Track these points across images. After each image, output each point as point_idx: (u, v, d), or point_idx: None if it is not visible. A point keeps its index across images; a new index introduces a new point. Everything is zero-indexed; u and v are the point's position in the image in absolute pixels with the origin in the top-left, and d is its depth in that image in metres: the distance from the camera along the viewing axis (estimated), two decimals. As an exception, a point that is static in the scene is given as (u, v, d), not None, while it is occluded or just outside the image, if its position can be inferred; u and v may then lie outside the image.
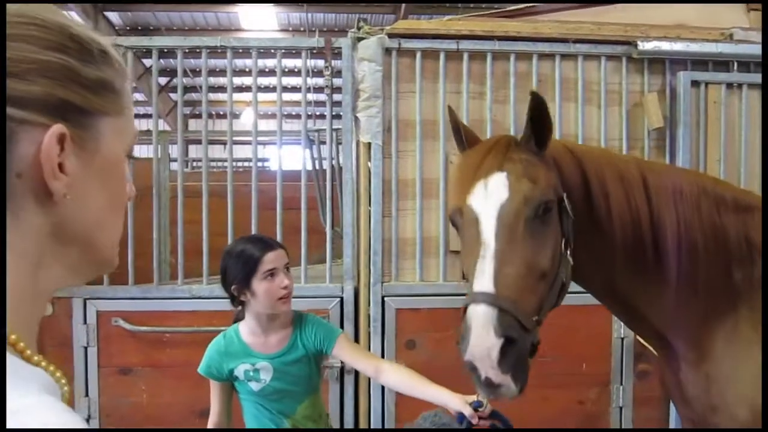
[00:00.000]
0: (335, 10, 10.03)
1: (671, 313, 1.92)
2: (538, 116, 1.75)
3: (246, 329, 2.32)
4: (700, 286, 1.87)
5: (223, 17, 10.52)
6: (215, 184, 3.51)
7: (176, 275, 3.47)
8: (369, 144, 3.35)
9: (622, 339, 3.48)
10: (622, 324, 3.42)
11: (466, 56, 3.41)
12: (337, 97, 3.41)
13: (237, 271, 2.23)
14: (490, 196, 1.73)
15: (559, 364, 3.38)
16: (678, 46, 3.53)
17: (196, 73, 9.56)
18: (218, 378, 2.31)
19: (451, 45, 3.40)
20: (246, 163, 8.40)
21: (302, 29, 10.38)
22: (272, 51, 3.36)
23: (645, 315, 1.96)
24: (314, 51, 3.43)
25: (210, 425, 2.33)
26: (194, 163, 8.30)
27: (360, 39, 3.37)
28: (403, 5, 9.17)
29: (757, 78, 3.62)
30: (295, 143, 4.62)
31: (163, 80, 11.77)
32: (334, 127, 3.46)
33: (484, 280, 1.62)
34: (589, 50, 3.52)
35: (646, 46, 3.50)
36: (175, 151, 6.13)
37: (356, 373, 3.31)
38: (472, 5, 8.63)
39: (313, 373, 2.36)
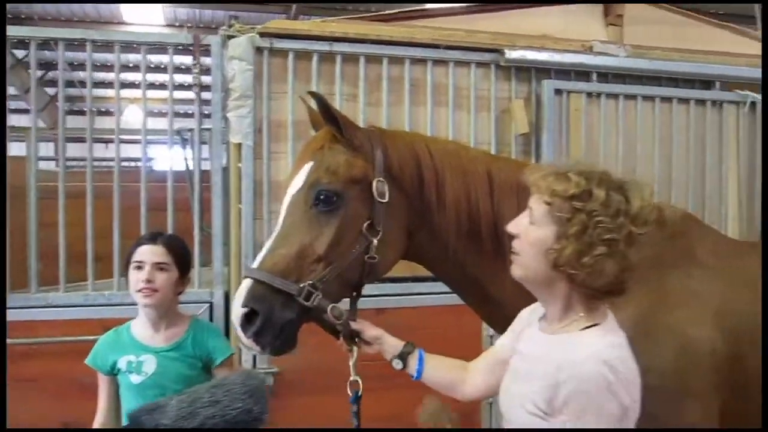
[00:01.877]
0: (226, 8, 9.80)
1: (512, 295, 2.00)
2: (326, 112, 1.91)
3: (137, 323, 2.37)
4: None
5: (104, 9, 10.00)
6: (96, 184, 3.29)
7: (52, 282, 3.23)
8: (240, 145, 3.26)
9: (491, 336, 3.58)
10: (491, 322, 3.51)
11: (339, 58, 3.41)
12: (207, 95, 3.30)
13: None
14: (294, 185, 1.92)
15: None
16: (543, 56, 3.70)
17: (73, 67, 9.04)
18: (102, 368, 2.32)
19: (325, 47, 3.38)
20: (124, 163, 8.00)
21: (190, 25, 10.07)
22: (135, 46, 3.20)
23: (492, 296, 2.05)
24: (182, 48, 3.30)
25: (95, 425, 2.33)
26: (68, 163, 7.82)
27: (231, 37, 3.28)
28: (294, 5, 9.09)
29: (615, 88, 3.87)
30: (175, 143, 4.42)
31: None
32: (204, 126, 3.34)
33: (257, 259, 1.84)
34: (460, 57, 3.62)
35: (512, 54, 3.64)
36: (44, 149, 5.74)
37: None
38: (362, 8, 8.67)
39: (199, 377, 2.33)
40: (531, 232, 1.49)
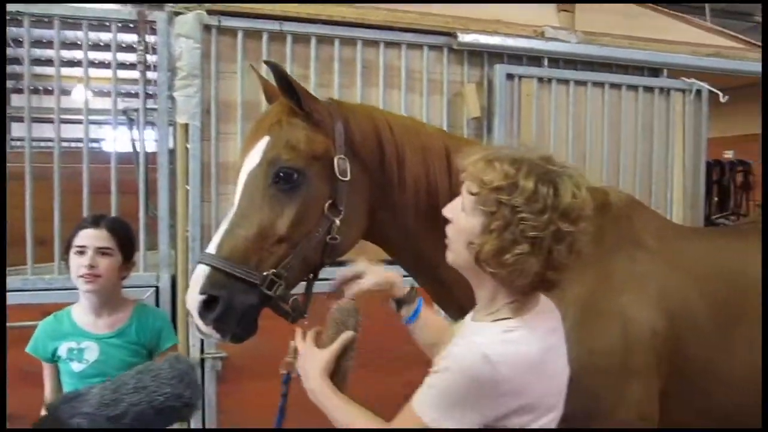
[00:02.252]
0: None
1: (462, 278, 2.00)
2: (284, 82, 1.81)
3: (79, 308, 2.29)
4: None
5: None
6: (38, 165, 3.16)
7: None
8: (187, 125, 3.18)
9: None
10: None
11: (290, 38, 3.35)
12: (153, 75, 3.20)
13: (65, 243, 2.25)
14: (250, 161, 1.82)
15: (384, 347, 3.43)
16: (495, 40, 3.71)
17: (17, 43, 8.64)
18: (44, 357, 2.25)
19: (275, 26, 3.32)
20: (74, 144, 7.77)
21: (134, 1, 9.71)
22: (75, 21, 3.07)
23: (444, 279, 2.01)
24: (126, 25, 3.19)
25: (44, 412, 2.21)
26: (12, 143, 7.56)
27: (178, 14, 3.18)
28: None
29: (566, 74, 3.91)
30: (121, 124, 4.29)
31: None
32: (150, 106, 3.24)
33: (213, 242, 1.75)
34: (412, 39, 3.59)
35: (465, 38, 3.63)
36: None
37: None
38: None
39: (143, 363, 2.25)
40: (460, 220, 1.43)
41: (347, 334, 1.66)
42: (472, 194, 1.39)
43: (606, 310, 1.98)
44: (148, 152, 3.25)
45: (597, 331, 1.94)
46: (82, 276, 2.18)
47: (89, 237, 2.21)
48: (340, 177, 1.84)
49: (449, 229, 1.48)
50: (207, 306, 1.70)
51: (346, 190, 1.85)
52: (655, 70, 4.22)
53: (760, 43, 5.00)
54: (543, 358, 1.36)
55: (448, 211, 1.50)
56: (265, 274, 1.73)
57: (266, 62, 1.86)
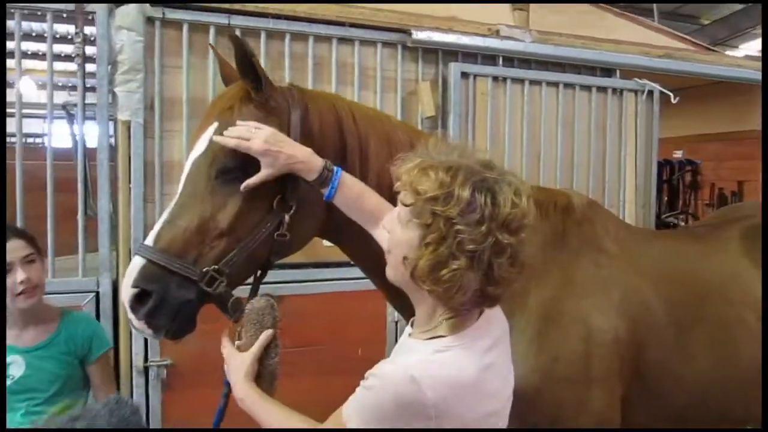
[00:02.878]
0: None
1: None
2: (245, 60, 1.66)
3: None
4: None
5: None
6: None
7: None
8: (129, 122, 3.03)
9: (396, 322, 3.54)
10: (396, 308, 3.46)
11: (238, 33, 3.22)
12: (92, 68, 3.04)
13: None
14: (196, 149, 1.72)
15: (336, 351, 3.37)
16: (450, 38, 3.65)
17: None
18: None
19: (222, 19, 3.19)
20: (12, 139, 7.45)
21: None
22: (9, 11, 2.89)
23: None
24: (63, 15, 3.02)
25: None
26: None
27: (120, 3, 3.02)
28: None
29: (520, 73, 3.90)
30: (59, 118, 4.10)
31: None
32: (89, 101, 3.08)
33: (151, 233, 1.65)
34: (365, 35, 3.51)
35: (419, 35, 3.56)
36: None
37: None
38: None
39: (74, 377, 2.16)
40: (396, 232, 1.33)
41: (265, 334, 1.58)
42: (406, 205, 1.29)
43: (569, 317, 1.94)
44: (89, 148, 3.07)
45: (561, 339, 1.90)
46: (20, 293, 2.03)
47: (11, 251, 2.05)
48: None
49: (388, 242, 1.37)
50: (139, 300, 1.60)
51: (298, 184, 1.72)
52: (607, 71, 4.23)
53: (707, 45, 5.10)
54: (479, 377, 1.27)
55: (387, 222, 1.42)
56: (204, 270, 1.62)
57: (230, 36, 1.71)
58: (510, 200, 1.26)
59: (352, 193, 1.67)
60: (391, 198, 1.84)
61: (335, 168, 1.66)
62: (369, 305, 3.39)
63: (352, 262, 2.06)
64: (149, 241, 1.65)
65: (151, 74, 3.08)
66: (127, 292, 1.61)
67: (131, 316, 1.62)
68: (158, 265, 1.60)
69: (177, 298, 1.61)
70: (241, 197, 1.67)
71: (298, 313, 3.08)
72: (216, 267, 1.64)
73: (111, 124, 3.15)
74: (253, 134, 1.62)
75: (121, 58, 3.01)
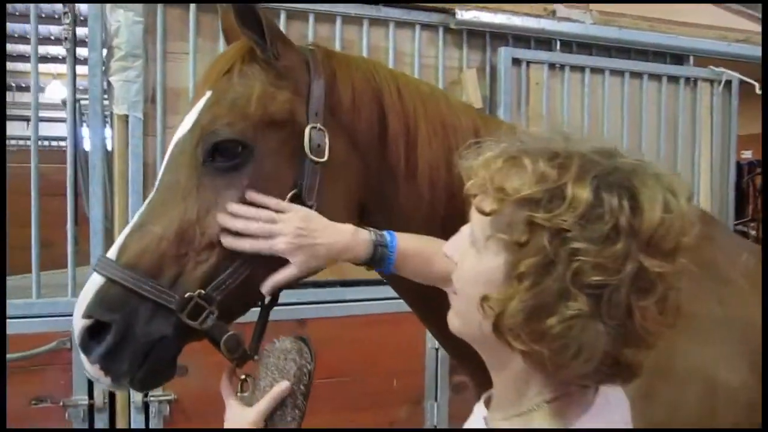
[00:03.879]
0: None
1: None
2: (246, 13, 1.25)
3: None
4: None
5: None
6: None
7: None
8: (126, 117, 2.63)
9: (437, 350, 3.08)
10: (436, 332, 3.01)
11: (254, 13, 2.78)
12: (84, 52, 2.64)
13: None
14: (181, 127, 1.32)
15: (366, 383, 2.95)
16: (499, 19, 3.24)
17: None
18: None
19: (235, -2, 2.75)
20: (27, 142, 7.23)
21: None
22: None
23: None
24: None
25: None
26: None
27: (116, -20, 2.63)
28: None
29: (580, 59, 3.46)
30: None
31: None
32: (81, 96, 2.69)
33: (116, 243, 1.25)
34: (401, 16, 3.10)
35: (464, 15, 3.15)
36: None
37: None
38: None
39: None
40: (468, 261, 0.89)
41: (281, 387, 1.17)
42: (485, 214, 0.84)
43: (689, 369, 1.46)
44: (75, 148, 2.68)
45: (678, 396, 1.44)
46: None
47: None
48: (313, 156, 1.30)
49: (455, 278, 0.92)
50: (94, 334, 1.20)
51: (320, 176, 1.31)
52: (679, 57, 3.79)
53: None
54: None
55: (449, 248, 0.94)
56: (187, 295, 1.21)
57: None
58: (661, 203, 0.79)
59: (415, 263, 1.29)
60: (450, 206, 1.38)
61: (388, 238, 1.28)
62: (405, 330, 2.95)
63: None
64: (112, 253, 1.24)
65: (152, 61, 2.70)
66: (77, 324, 1.20)
67: (82, 356, 1.22)
68: (122, 286, 1.19)
69: (147, 335, 1.21)
70: (240, 193, 1.26)
71: (321, 339, 2.58)
72: (203, 291, 1.23)
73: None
74: (276, 225, 1.23)
75: (117, 42, 2.62)
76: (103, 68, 2.62)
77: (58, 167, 2.99)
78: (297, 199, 1.28)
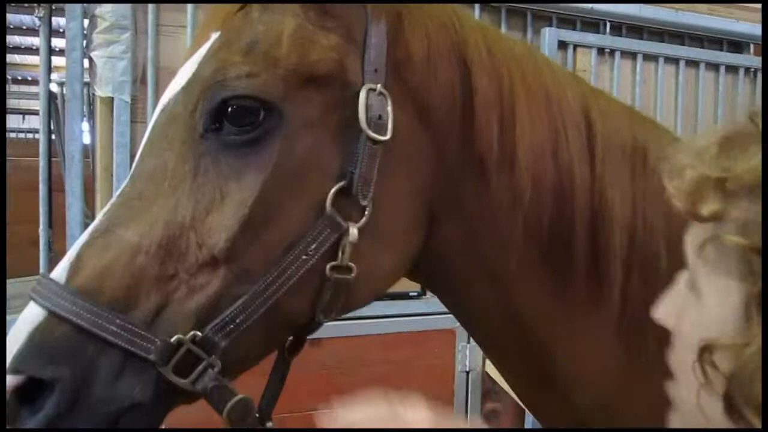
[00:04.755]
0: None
1: (598, 376, 1.06)
2: None
3: None
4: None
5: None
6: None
7: None
8: (111, 100, 2.25)
9: (467, 372, 2.76)
10: (467, 353, 2.65)
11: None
12: (60, 23, 2.25)
13: None
14: (174, 84, 0.94)
15: None
16: None
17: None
18: None
19: (240, -39, 2.36)
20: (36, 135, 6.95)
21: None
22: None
23: (558, 372, 1.06)
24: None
25: None
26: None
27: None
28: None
29: (632, 44, 3.08)
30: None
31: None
32: (57, 75, 2.30)
33: (66, 259, 0.87)
34: None
35: None
36: None
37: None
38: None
39: None
40: (686, 315, 0.63)
41: None
42: (705, 220, 0.62)
43: None
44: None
45: None
46: None
47: None
48: (371, 132, 0.91)
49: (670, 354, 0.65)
50: (27, 399, 0.81)
51: (381, 162, 0.92)
52: (738, 45, 3.42)
53: None
54: None
55: (660, 310, 0.67)
56: (174, 339, 0.84)
57: None
58: None
59: None
60: (558, 215, 0.99)
61: None
62: (432, 351, 2.71)
63: (412, 294, 1.23)
64: (59, 272, 0.86)
65: (142, 35, 2.34)
66: (10, 380, 0.80)
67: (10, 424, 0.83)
68: (72, 324, 0.82)
69: (110, 401, 0.82)
70: (259, 182, 0.87)
71: (339, 361, 2.50)
72: (199, 333, 0.85)
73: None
74: None
75: (101, 11, 2.26)
76: (84, 42, 2.24)
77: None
78: (344, 197, 0.90)
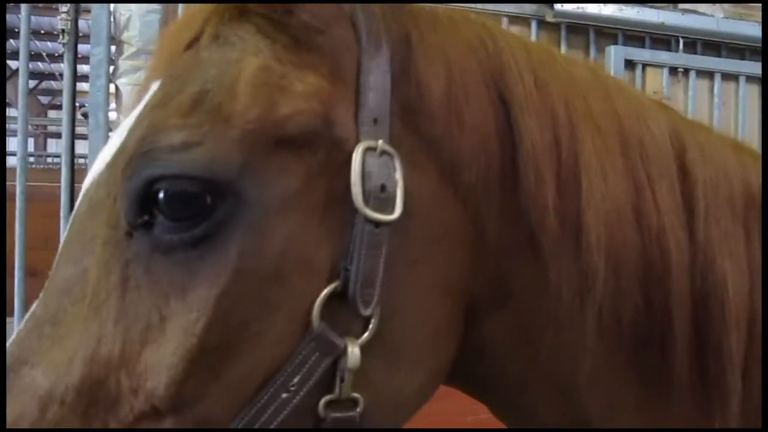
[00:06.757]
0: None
1: None
2: None
3: None
4: None
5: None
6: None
7: None
8: (137, 129, 2.10)
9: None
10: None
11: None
12: (84, 49, 2.16)
13: None
14: (97, 164, 0.73)
15: (436, 413, 2.32)
16: (608, 10, 2.74)
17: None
18: None
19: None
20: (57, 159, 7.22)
21: None
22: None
23: None
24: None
25: None
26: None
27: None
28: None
29: (709, 62, 2.87)
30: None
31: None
32: (80, 100, 2.20)
33: None
34: (485, 6, 2.65)
35: (564, 7, 2.68)
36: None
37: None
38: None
39: None
40: None
41: None
42: None
43: None
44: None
45: None
46: None
47: None
48: (370, 212, 0.68)
49: None
50: None
51: (388, 250, 0.69)
52: None
53: None
54: None
55: None
56: None
57: None
58: None
59: None
60: (643, 297, 0.75)
61: None
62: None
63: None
64: None
65: None
66: None
67: None
68: None
69: None
70: (213, 297, 0.64)
71: None
72: None
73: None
74: None
75: (128, 36, 2.21)
76: (110, 68, 2.14)
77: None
78: (337, 305, 0.68)
